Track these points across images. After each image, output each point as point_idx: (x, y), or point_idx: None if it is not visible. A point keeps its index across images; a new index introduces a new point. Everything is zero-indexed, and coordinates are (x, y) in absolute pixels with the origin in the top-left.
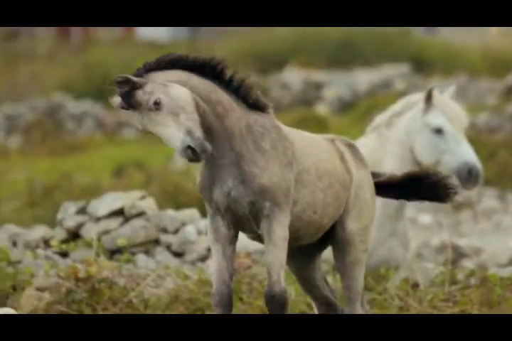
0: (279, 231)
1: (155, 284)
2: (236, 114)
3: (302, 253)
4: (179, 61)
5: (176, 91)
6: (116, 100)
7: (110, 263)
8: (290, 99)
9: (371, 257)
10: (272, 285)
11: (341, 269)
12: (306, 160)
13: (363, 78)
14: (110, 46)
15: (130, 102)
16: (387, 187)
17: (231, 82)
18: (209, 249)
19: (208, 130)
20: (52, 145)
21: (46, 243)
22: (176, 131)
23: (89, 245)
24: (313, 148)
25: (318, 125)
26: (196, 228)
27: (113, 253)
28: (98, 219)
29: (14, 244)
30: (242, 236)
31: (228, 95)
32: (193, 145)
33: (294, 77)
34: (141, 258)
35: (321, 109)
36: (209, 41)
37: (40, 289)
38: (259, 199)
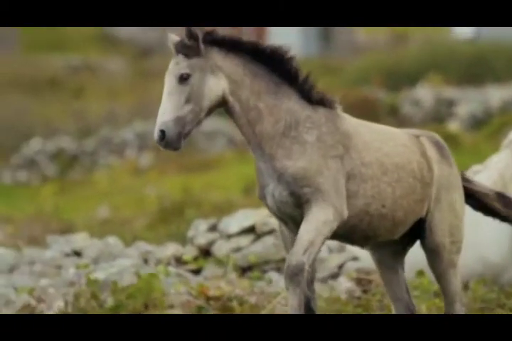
0: (319, 214)
1: (286, 302)
2: (275, 117)
3: (387, 254)
4: (246, 45)
5: (211, 83)
6: (174, 37)
7: (241, 280)
8: (422, 116)
9: (503, 274)
10: (291, 254)
11: (435, 272)
12: (369, 154)
13: (496, 94)
14: None
15: (178, 48)
16: (472, 196)
17: (296, 78)
18: (340, 267)
19: (242, 133)
20: (183, 162)
21: (177, 260)
22: (172, 110)
23: (220, 262)
24: (382, 143)
25: (450, 142)
26: (327, 246)
27: (244, 270)
28: (229, 237)
29: (145, 261)
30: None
31: (286, 91)
32: (165, 134)
33: (425, 93)
34: (272, 276)
35: (453, 126)
36: (340, 58)
37: (171, 307)
38: (297, 188)
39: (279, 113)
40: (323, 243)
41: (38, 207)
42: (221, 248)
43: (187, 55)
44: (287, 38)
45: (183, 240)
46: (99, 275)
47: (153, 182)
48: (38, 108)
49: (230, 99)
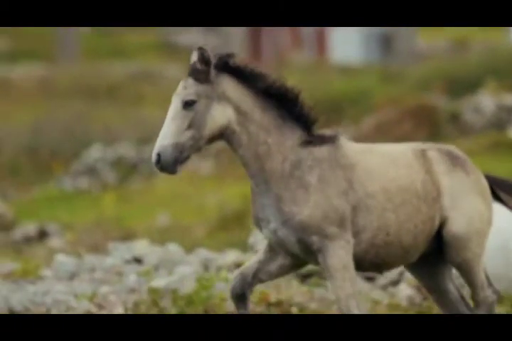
0: (335, 263)
1: None
2: (282, 154)
3: (424, 265)
4: (257, 78)
5: (215, 112)
6: (193, 56)
7: (301, 287)
8: (483, 123)
9: (497, 284)
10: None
11: (456, 267)
12: (372, 184)
13: None
14: (302, 70)
15: (190, 71)
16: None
17: (302, 115)
18: (401, 274)
19: (244, 165)
20: (243, 170)
21: (238, 267)
22: (172, 134)
23: None
24: (385, 167)
25: (510, 149)
26: None
27: (304, 277)
28: None
29: (206, 268)
30: None
31: (291, 127)
32: (161, 158)
33: (487, 100)
34: None
35: None
36: (401, 65)
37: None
38: (305, 235)
39: (285, 151)
40: (355, 279)
41: (98, 214)
42: None
43: (197, 80)
44: (348, 45)
45: (243, 247)
46: (160, 282)
47: (213, 190)
48: (98, 115)
49: (237, 129)
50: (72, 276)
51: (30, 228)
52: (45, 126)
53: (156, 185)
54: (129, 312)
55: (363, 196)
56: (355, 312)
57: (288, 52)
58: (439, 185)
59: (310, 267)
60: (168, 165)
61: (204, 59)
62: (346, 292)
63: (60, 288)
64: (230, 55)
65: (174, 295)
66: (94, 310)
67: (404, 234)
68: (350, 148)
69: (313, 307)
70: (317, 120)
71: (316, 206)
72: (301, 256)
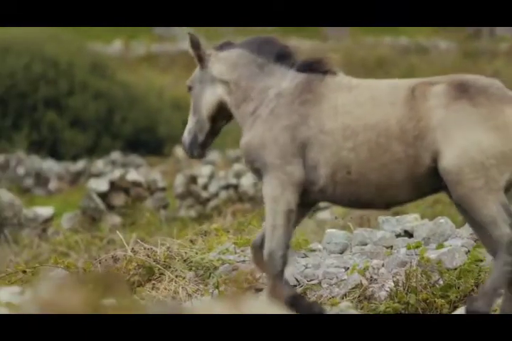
0: (267, 192)
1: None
2: (251, 97)
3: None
4: (238, 43)
5: (207, 93)
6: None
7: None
8: None
9: None
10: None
11: (458, 204)
12: (333, 121)
13: None
14: None
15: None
16: None
17: (283, 55)
18: None
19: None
20: None
21: None
22: (188, 124)
23: None
24: (358, 105)
25: None
26: None
27: None
28: None
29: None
30: None
31: (270, 70)
32: (185, 145)
33: None
34: None
35: None
36: None
37: None
38: (247, 162)
39: (253, 94)
40: (290, 216)
41: None
42: None
43: (200, 65)
44: None
45: None
46: (430, 255)
47: None
48: None
49: (227, 99)
50: (342, 250)
51: None
52: None
53: None
54: (400, 285)
55: (316, 132)
56: (273, 243)
57: None
58: (429, 120)
59: None
60: (188, 150)
61: (194, 44)
62: (269, 223)
63: (331, 261)
64: (227, 43)
65: (440, 269)
66: (365, 283)
67: (369, 172)
68: (336, 83)
69: None
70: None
71: (255, 135)
72: None
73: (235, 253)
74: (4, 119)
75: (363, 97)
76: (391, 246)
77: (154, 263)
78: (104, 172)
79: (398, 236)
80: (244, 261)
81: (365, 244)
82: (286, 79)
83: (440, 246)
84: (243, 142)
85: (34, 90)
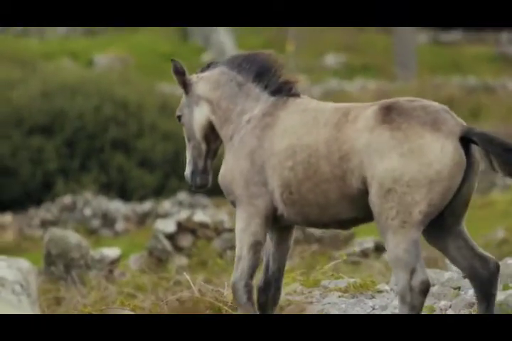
0: (238, 224)
1: None
2: (231, 120)
3: (433, 225)
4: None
5: (196, 115)
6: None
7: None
8: None
9: None
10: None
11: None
12: (281, 142)
13: None
14: None
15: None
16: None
17: (260, 74)
18: None
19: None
20: None
21: None
22: (187, 157)
23: None
24: (302, 126)
25: None
26: None
27: None
28: None
29: None
30: None
31: (248, 90)
32: (187, 177)
33: None
34: None
35: None
36: None
37: None
38: (225, 194)
39: (233, 116)
40: (255, 248)
41: None
42: None
43: (185, 92)
44: None
45: None
46: (498, 296)
47: None
48: None
49: (213, 118)
50: None
51: (367, 242)
52: None
53: (493, 197)
54: None
55: (269, 154)
56: (237, 274)
57: None
58: (355, 143)
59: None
60: (190, 181)
61: (177, 70)
62: (236, 254)
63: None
64: (213, 63)
65: (509, 309)
66: None
67: (306, 192)
68: (295, 105)
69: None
70: (279, 76)
71: (227, 168)
72: None
73: (302, 294)
74: (72, 161)
75: (307, 118)
76: (458, 287)
77: (221, 304)
78: (171, 213)
79: (465, 277)
80: (311, 303)
81: (433, 285)
82: (259, 103)
83: (506, 286)
84: (219, 176)
85: (103, 132)
